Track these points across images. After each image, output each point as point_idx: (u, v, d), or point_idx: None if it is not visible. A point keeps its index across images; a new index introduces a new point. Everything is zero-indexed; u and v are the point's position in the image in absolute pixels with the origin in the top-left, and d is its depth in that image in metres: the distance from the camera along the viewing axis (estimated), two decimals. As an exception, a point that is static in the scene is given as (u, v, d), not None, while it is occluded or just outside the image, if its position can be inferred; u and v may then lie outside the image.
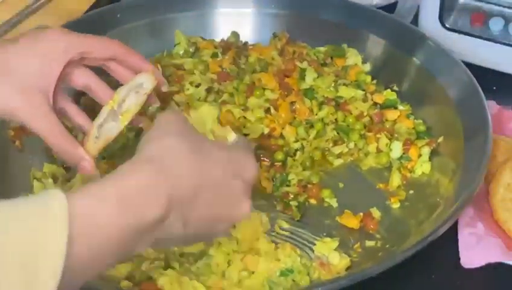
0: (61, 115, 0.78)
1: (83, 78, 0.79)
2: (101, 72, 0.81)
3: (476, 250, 0.82)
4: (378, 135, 0.94)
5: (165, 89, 0.83)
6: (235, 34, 1.09)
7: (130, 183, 0.55)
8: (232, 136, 0.72)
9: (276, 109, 0.96)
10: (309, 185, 0.89)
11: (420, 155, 0.92)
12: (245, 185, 0.63)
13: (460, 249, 0.82)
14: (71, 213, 0.50)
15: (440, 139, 0.93)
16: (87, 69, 0.79)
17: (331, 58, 1.05)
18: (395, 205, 0.88)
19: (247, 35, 1.09)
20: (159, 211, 0.55)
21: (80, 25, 0.87)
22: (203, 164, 0.60)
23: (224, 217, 0.63)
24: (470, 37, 1.07)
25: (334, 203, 0.88)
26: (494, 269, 0.81)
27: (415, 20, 1.13)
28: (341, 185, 0.91)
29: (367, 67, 1.05)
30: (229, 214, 0.63)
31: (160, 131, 0.61)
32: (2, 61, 0.71)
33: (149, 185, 0.55)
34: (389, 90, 1.00)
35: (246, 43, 1.08)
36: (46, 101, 0.72)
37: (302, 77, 1.00)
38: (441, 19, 1.08)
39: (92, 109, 0.95)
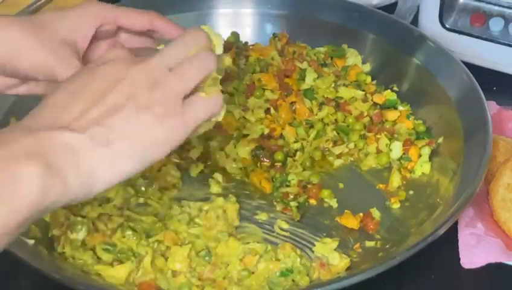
0: None
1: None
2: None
3: (476, 250, 0.82)
4: (378, 136, 0.94)
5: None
6: (235, 34, 1.08)
7: None
8: None
9: (276, 109, 0.96)
10: (309, 186, 0.89)
11: (420, 155, 0.92)
12: (121, 57, 0.58)
13: (460, 249, 0.82)
14: None
15: (440, 139, 0.93)
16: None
17: (331, 58, 1.05)
18: (395, 206, 0.88)
19: (247, 35, 1.09)
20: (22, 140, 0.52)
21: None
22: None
23: (113, 88, 0.56)
24: (470, 37, 1.07)
25: (334, 203, 0.88)
26: (494, 269, 0.81)
27: (415, 20, 1.13)
28: (341, 185, 0.91)
29: (367, 67, 1.05)
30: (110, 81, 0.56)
31: None
32: (37, 23, 0.71)
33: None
34: (389, 90, 1.00)
35: (246, 43, 1.08)
36: (75, 55, 0.70)
37: (302, 77, 1.00)
38: (441, 19, 1.08)
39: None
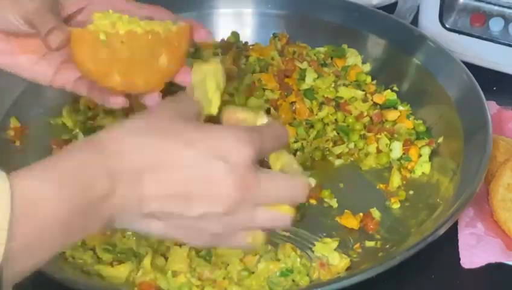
0: None
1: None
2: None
3: (476, 250, 0.82)
4: (378, 135, 0.94)
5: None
6: (235, 34, 1.08)
7: (70, 163, 0.54)
8: (262, 120, 0.63)
9: (276, 109, 0.96)
10: (309, 185, 0.89)
11: (420, 155, 0.92)
12: (229, 167, 0.57)
13: (460, 249, 0.82)
14: (13, 194, 0.50)
15: (440, 139, 0.93)
16: None
17: (331, 58, 1.05)
18: (395, 206, 0.88)
19: (247, 35, 1.09)
20: (100, 186, 0.54)
21: (79, 25, 0.87)
22: (159, 142, 0.57)
23: (197, 198, 0.57)
24: (470, 37, 1.07)
25: (334, 203, 0.88)
26: (494, 269, 0.81)
27: (415, 20, 1.13)
28: (341, 185, 0.91)
29: (367, 67, 1.05)
30: (201, 194, 0.57)
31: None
32: None
33: (87, 162, 0.54)
34: (389, 90, 1.00)
35: (246, 43, 1.08)
36: (55, 13, 0.67)
37: (302, 77, 1.00)
38: (441, 19, 1.08)
39: (92, 108, 0.95)
